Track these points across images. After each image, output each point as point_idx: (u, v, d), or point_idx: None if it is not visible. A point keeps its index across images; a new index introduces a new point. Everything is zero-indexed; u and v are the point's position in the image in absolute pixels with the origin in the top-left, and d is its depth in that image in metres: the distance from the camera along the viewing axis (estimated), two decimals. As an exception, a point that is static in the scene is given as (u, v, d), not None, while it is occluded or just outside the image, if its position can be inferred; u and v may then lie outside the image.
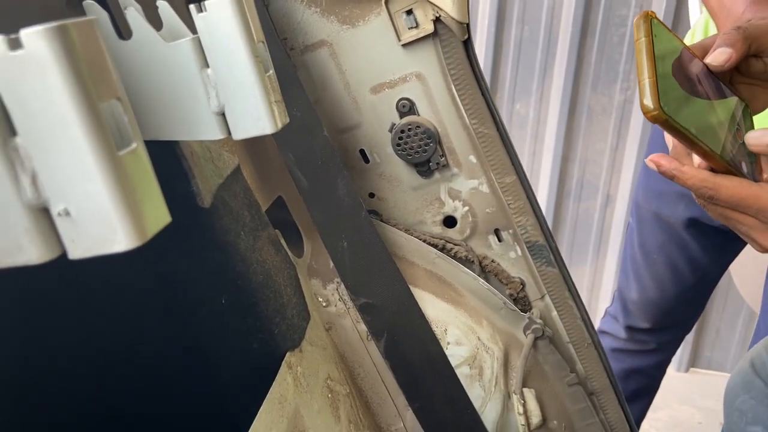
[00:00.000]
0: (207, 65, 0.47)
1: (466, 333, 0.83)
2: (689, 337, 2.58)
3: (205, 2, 0.46)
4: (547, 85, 2.43)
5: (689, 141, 0.60)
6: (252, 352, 0.62)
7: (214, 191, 0.57)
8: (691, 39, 1.30)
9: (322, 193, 0.72)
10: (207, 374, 0.63)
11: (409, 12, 0.77)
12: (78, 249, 0.30)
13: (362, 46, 0.81)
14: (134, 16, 0.47)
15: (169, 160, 0.52)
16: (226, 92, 0.47)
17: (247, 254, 0.61)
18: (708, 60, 0.65)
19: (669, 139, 0.70)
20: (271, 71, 0.49)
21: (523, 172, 0.85)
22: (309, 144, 0.72)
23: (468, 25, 0.78)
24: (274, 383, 0.58)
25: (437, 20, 0.76)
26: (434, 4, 0.75)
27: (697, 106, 0.63)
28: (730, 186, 0.61)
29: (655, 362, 1.67)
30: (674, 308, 1.52)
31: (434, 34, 0.78)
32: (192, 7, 0.46)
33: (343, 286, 0.76)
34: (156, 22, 0.49)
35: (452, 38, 0.78)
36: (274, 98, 0.48)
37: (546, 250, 0.88)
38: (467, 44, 0.79)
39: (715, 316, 2.57)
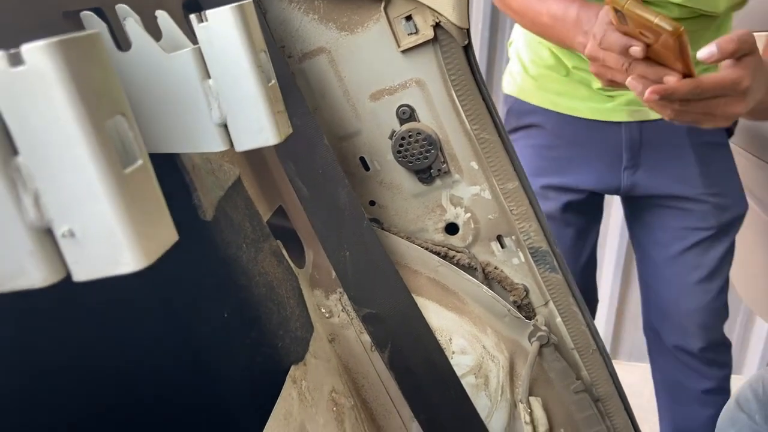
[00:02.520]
0: (208, 76, 0.46)
1: (470, 342, 0.82)
2: (687, 338, 2.58)
3: (206, 12, 0.45)
4: (542, 89, 2.42)
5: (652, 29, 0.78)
6: (256, 366, 0.61)
7: (216, 204, 0.56)
8: (516, 56, 1.46)
9: (323, 203, 0.71)
10: (211, 391, 0.62)
11: (409, 18, 0.76)
12: (82, 271, 0.29)
13: (361, 52, 0.80)
14: (133, 26, 0.46)
15: (171, 173, 0.51)
16: (228, 103, 0.46)
17: (249, 267, 0.60)
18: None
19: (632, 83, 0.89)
20: (273, 81, 0.48)
21: (525, 178, 0.85)
22: (309, 153, 0.71)
23: (468, 30, 0.77)
24: (279, 399, 0.57)
25: (437, 26, 0.76)
26: (434, 10, 0.74)
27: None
28: (712, 76, 0.81)
29: None
30: None
31: (434, 39, 0.77)
32: (192, 17, 0.45)
33: (345, 296, 0.74)
34: (155, 32, 0.47)
35: (452, 44, 0.77)
36: (276, 109, 0.47)
37: (549, 255, 0.87)
38: (467, 49, 0.78)
39: (713, 316, 2.56)
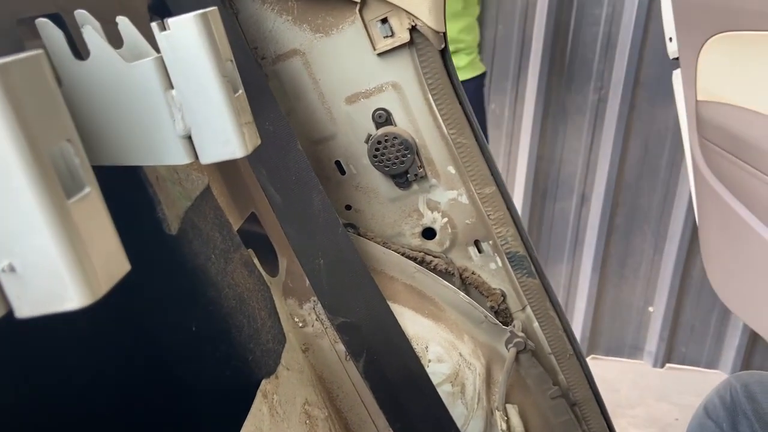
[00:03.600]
0: (171, 86, 0.44)
1: (447, 349, 0.81)
2: (664, 334, 2.61)
3: (168, 20, 0.43)
4: (522, 85, 2.42)
5: None
6: (225, 381, 0.59)
7: (182, 215, 0.54)
8: None
9: (297, 210, 0.70)
10: (178, 406, 0.60)
11: (384, 20, 0.75)
12: (25, 307, 0.27)
13: (336, 55, 0.78)
14: (92, 34, 0.44)
15: (133, 187, 0.49)
16: (192, 114, 0.44)
17: (218, 278, 0.58)
18: None
19: None
20: (240, 91, 0.46)
21: (503, 182, 0.84)
22: (282, 159, 0.69)
23: (445, 34, 0.75)
24: (249, 415, 0.56)
25: (413, 29, 0.74)
26: (410, 13, 0.73)
27: None
28: None
29: None
30: None
31: (410, 43, 0.75)
32: (154, 24, 0.43)
33: (319, 305, 0.73)
34: (116, 40, 0.45)
35: (429, 47, 0.76)
36: (243, 120, 0.46)
37: (527, 260, 0.87)
38: (444, 53, 0.77)
39: (690, 312, 2.59)
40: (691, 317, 2.61)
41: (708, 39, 1.65)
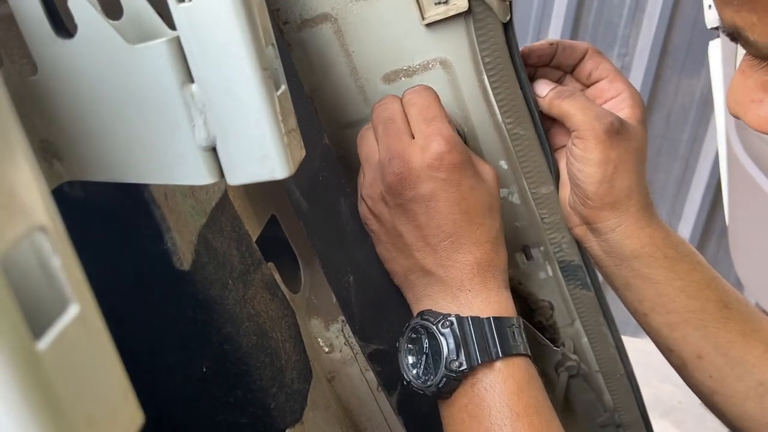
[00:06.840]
0: (191, 79, 0.31)
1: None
2: (671, 314, 2.53)
3: (190, -13, 0.30)
4: (540, 49, 2.27)
5: None
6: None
7: (196, 238, 0.41)
8: None
9: (324, 217, 0.57)
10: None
11: (439, -16, 0.61)
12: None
13: (375, 23, 0.65)
14: (81, 2, 0.31)
15: (134, 208, 0.37)
16: (218, 119, 0.31)
17: (236, 310, 0.46)
18: None
19: None
20: (283, 87, 0.33)
21: (561, 182, 0.72)
22: (308, 155, 0.57)
23: (511, 3, 0.62)
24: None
25: None
26: (473, -24, 0.59)
27: None
28: None
29: None
30: None
31: (468, 12, 0.62)
32: (169, -7, 0.30)
33: (348, 326, 0.62)
34: (115, 10, 0.32)
35: (490, 18, 0.62)
36: (287, 127, 0.33)
37: (582, 270, 0.76)
38: (508, 27, 0.64)
39: (698, 292, 2.51)
40: (699, 298, 2.53)
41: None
